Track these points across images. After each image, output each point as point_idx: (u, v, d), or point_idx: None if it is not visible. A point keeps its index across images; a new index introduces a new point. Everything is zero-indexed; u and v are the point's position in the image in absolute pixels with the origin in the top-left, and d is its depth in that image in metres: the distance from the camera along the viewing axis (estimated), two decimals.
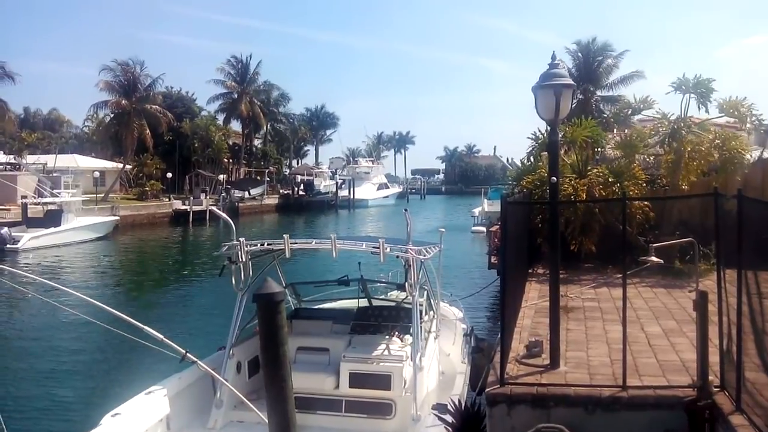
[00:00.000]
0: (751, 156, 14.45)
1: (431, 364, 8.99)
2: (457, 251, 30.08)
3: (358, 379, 8.24)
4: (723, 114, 13.41)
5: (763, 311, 4.96)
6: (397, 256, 9.31)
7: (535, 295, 10.42)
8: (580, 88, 49.40)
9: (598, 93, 50.17)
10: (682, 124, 13.26)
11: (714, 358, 5.97)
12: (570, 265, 13.13)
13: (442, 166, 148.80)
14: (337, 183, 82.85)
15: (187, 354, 5.54)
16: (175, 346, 5.39)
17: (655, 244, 6.66)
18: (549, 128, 6.74)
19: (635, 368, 6.54)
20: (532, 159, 15.70)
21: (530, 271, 12.37)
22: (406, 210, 9.22)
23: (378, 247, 8.16)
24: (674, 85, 13.07)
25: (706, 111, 13.29)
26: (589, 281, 11.95)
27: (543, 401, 5.98)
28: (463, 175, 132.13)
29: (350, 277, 11.02)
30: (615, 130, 17.05)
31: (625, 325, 6.41)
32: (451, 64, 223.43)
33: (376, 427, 7.95)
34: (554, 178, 6.67)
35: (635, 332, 8.05)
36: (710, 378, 5.82)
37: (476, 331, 11.90)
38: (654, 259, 6.44)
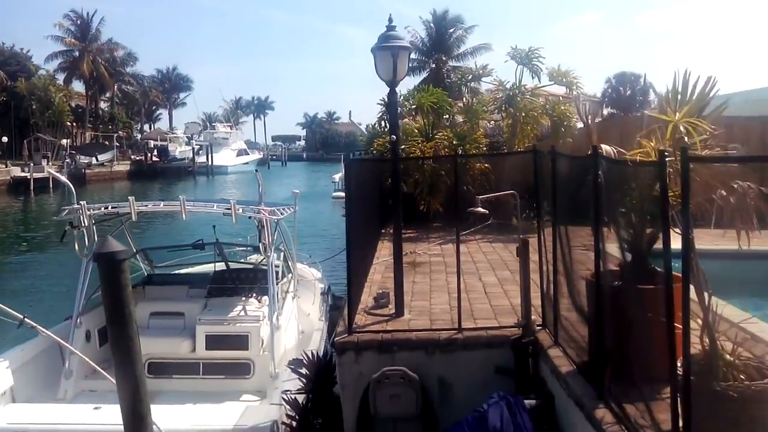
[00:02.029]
0: (581, 123, 15.88)
1: (289, 323, 9.14)
2: (318, 217, 30.32)
3: (214, 341, 8.24)
4: (553, 82, 14.64)
5: (573, 258, 5.63)
6: (250, 217, 9.33)
7: (386, 253, 10.90)
8: (432, 58, 51.23)
9: (450, 63, 52.06)
10: (516, 91, 14.38)
11: (537, 301, 6.71)
12: (420, 225, 13.91)
13: (302, 133, 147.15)
14: (193, 149, 79.68)
15: (26, 318, 5.04)
16: (10, 310, 4.98)
17: (480, 196, 7.29)
18: (389, 90, 7.09)
19: (471, 313, 7.13)
20: (382, 123, 16.25)
21: (383, 231, 12.90)
22: (257, 171, 9.29)
23: (230, 209, 8.19)
24: (509, 55, 14.15)
25: (538, 80, 14.51)
26: (437, 239, 12.69)
27: (388, 347, 6.40)
28: (324, 142, 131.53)
29: (205, 241, 10.88)
30: (464, 98, 17.99)
31: (459, 274, 6.96)
32: (311, 29, 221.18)
33: (234, 387, 7.97)
34: (394, 136, 7.10)
35: (473, 282, 8.74)
36: (533, 318, 6.53)
37: (333, 290, 12.28)
38: (480, 209, 7.07)
